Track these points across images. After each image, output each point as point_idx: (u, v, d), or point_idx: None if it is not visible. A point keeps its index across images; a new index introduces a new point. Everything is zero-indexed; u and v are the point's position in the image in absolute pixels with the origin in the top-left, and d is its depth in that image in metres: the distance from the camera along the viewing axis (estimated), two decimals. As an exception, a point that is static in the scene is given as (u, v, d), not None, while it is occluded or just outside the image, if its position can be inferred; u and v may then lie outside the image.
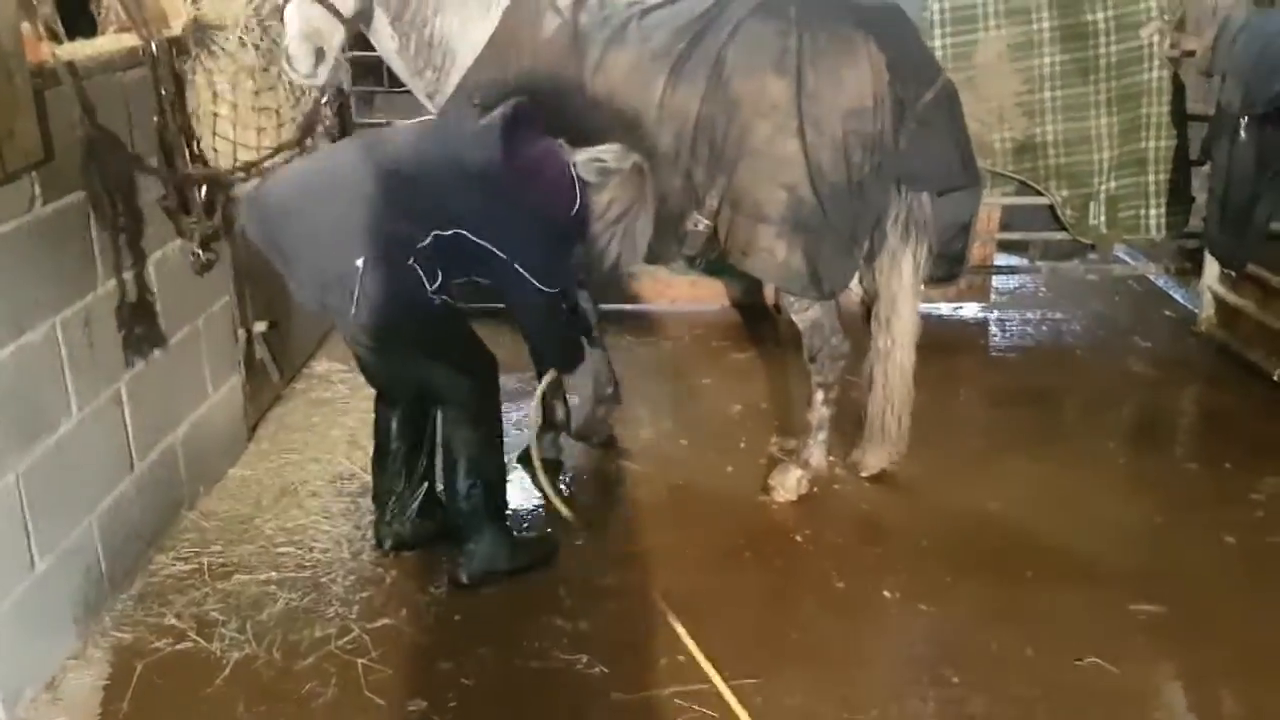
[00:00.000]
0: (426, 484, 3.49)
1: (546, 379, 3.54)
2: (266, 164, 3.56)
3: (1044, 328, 5.52)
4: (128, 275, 3.23)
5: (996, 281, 5.84)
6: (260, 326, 4.19)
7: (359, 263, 2.91)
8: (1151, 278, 5.93)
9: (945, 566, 3.41)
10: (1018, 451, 4.13)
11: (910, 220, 3.52)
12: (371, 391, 4.49)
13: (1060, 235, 5.34)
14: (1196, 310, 5.34)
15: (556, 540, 3.51)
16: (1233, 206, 4.50)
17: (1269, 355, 4.66)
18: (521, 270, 3.03)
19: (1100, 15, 4.96)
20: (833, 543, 3.56)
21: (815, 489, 3.80)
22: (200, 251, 3.60)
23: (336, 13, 3.26)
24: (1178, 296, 5.73)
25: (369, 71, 5.73)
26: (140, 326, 3.30)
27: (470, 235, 2.99)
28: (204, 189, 3.55)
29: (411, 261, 2.94)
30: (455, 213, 2.98)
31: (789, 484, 3.76)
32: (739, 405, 4.51)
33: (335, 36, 3.29)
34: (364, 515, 3.65)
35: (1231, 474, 3.96)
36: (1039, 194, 5.22)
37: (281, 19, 3.28)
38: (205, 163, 3.54)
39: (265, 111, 3.56)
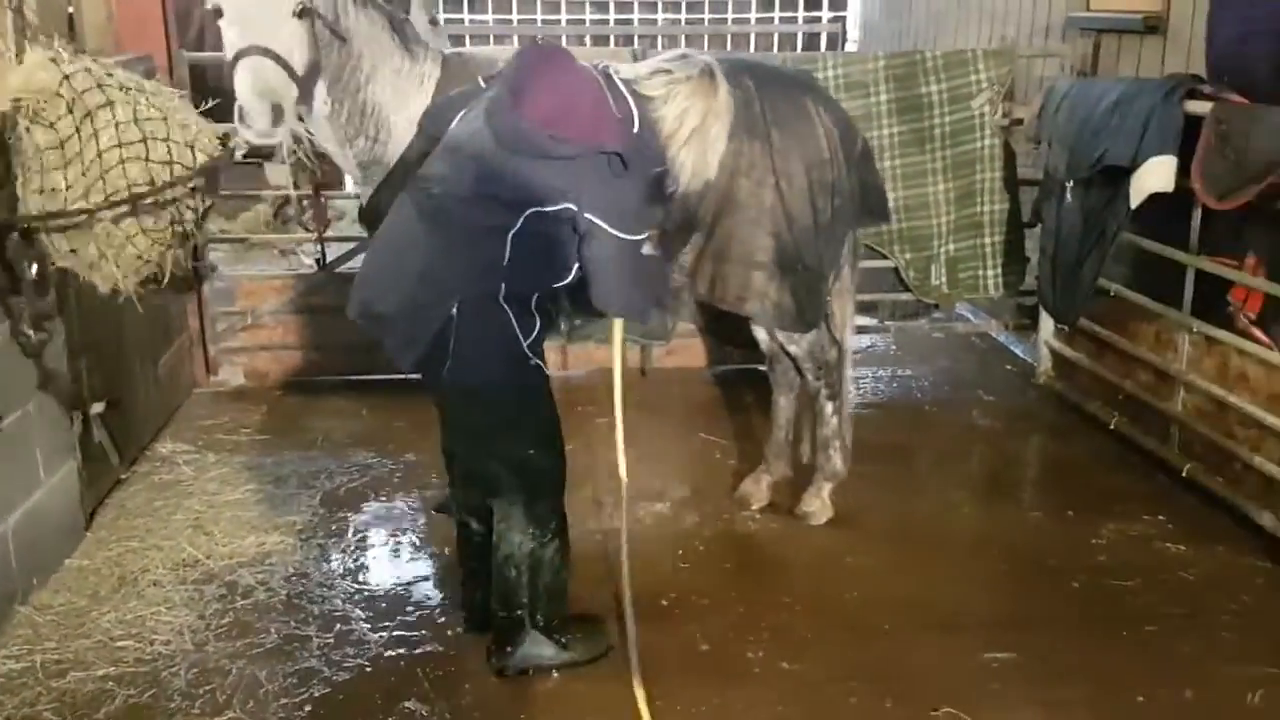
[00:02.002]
0: None
1: (619, 328, 3.13)
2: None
3: (895, 384, 5.70)
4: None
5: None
6: (98, 407, 3.99)
7: (454, 310, 2.78)
8: (993, 334, 6.19)
9: (807, 623, 3.44)
10: (872, 507, 4.22)
11: (852, 253, 4.06)
12: (216, 472, 4.44)
13: (905, 296, 5.55)
14: (1035, 364, 5.59)
15: (609, 636, 3.26)
16: (1062, 265, 4.75)
17: (1104, 405, 4.89)
18: (596, 219, 2.78)
19: (934, 88, 5.22)
20: (698, 605, 3.55)
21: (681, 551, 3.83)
22: (31, 332, 3.42)
23: (291, 71, 3.17)
24: (1018, 351, 6.00)
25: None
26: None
27: (541, 209, 2.77)
28: (34, 266, 3.39)
29: (503, 298, 2.79)
30: (519, 198, 2.77)
31: (824, 502, 4.10)
32: (604, 468, 4.50)
33: (290, 95, 3.19)
34: (209, 604, 3.50)
35: (1074, 521, 4.13)
36: (885, 257, 5.42)
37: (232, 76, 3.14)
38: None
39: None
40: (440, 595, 3.59)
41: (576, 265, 2.90)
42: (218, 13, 3.12)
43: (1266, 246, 3.94)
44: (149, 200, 3.44)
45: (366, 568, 3.76)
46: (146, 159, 3.34)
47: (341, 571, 3.72)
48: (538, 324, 2.90)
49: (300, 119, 3.34)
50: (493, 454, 3.01)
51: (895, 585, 3.68)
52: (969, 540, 4.02)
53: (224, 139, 3.36)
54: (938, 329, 6.03)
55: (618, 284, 2.92)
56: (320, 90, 3.38)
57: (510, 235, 2.78)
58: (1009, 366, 5.90)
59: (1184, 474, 4.29)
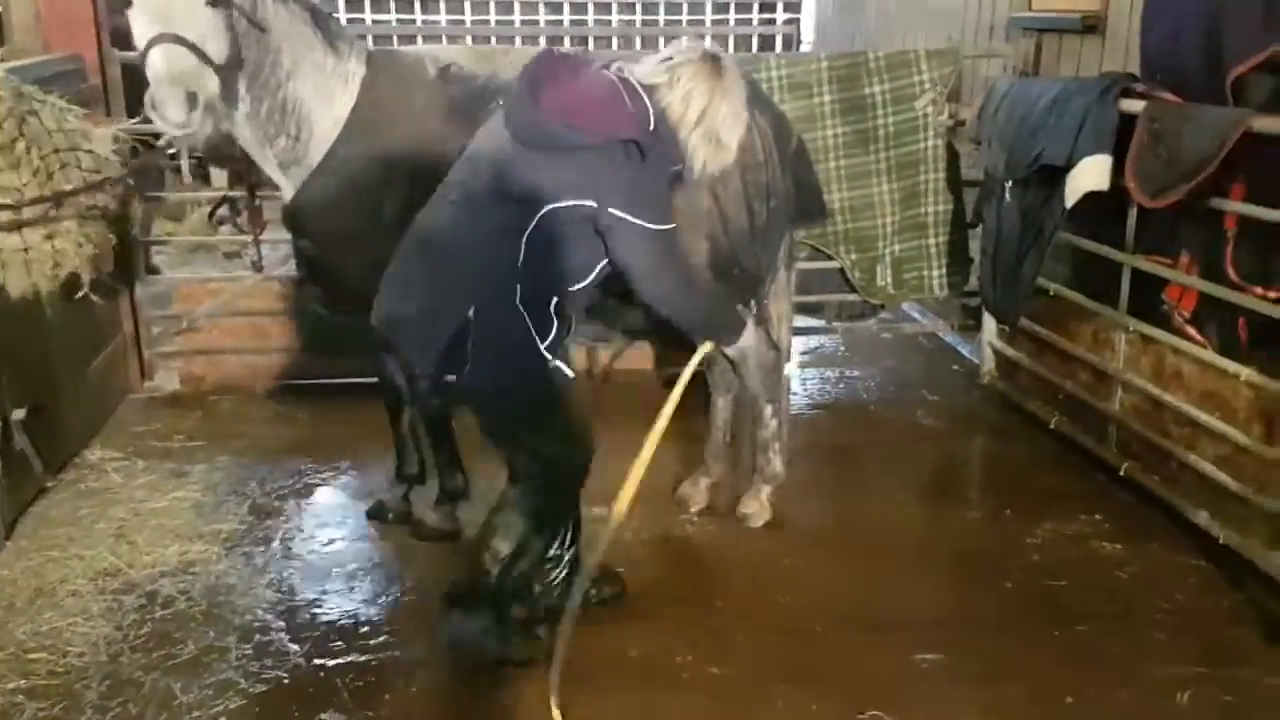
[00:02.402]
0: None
1: (701, 351, 3.10)
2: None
3: (841, 385, 5.68)
4: None
5: (796, 342, 5.98)
6: (19, 414, 3.89)
7: (471, 313, 2.75)
8: (940, 334, 6.19)
9: (738, 627, 3.40)
10: (812, 509, 4.20)
11: (789, 255, 4.06)
12: (145, 479, 4.34)
13: (852, 296, 5.53)
14: (980, 364, 5.59)
15: (544, 645, 3.15)
16: (1002, 265, 4.74)
17: (1045, 405, 4.89)
18: (620, 214, 2.75)
19: (877, 89, 5.19)
20: (630, 609, 3.50)
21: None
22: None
23: (207, 59, 3.05)
24: (964, 351, 5.99)
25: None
26: None
27: (559, 205, 2.75)
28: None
29: (519, 301, 2.76)
30: (533, 197, 2.75)
31: (763, 504, 4.05)
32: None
33: (210, 85, 3.09)
34: (127, 614, 3.41)
35: (1010, 521, 4.11)
36: (830, 258, 5.40)
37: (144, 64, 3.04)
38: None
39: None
40: (363, 605, 3.52)
41: (598, 267, 2.89)
42: (126, 2, 3.03)
43: (1199, 245, 3.93)
44: (45, 207, 3.39)
45: (290, 577, 3.67)
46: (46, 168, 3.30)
47: (265, 581, 3.63)
48: (555, 326, 2.86)
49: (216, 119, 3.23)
50: (518, 451, 3.00)
51: (830, 587, 3.65)
52: (906, 541, 4.00)
53: (116, 138, 3.25)
54: (885, 329, 6.02)
55: (666, 282, 2.93)
56: (240, 87, 3.30)
57: (525, 236, 2.76)
58: (955, 367, 5.90)
59: (1121, 473, 4.28)
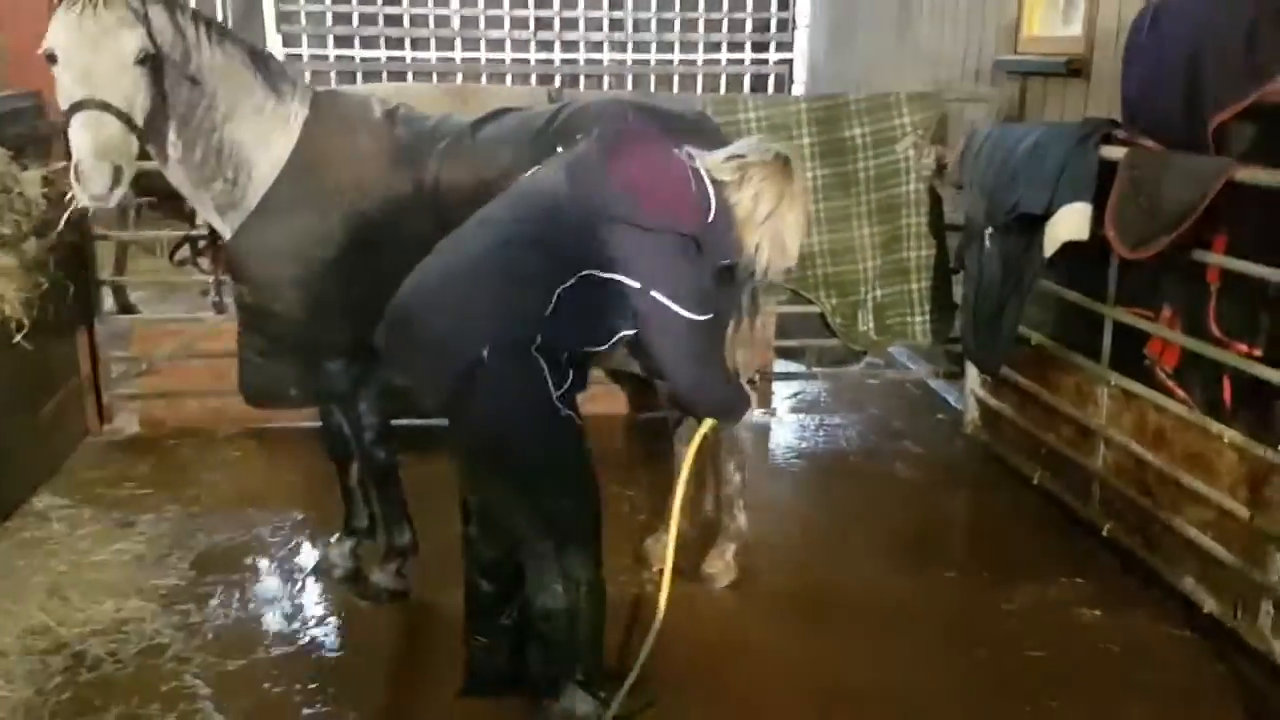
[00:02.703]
0: (520, 625, 3.10)
1: (702, 429, 3.07)
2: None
3: (821, 433, 5.51)
4: None
5: (777, 388, 5.84)
6: (-49, 462, 3.75)
7: (484, 354, 2.63)
8: (928, 381, 6.03)
9: (690, 699, 3.21)
10: (779, 568, 4.02)
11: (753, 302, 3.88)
12: (90, 530, 4.18)
13: (833, 341, 5.38)
14: (964, 413, 5.42)
15: (653, 692, 3.09)
16: (983, 313, 4.58)
17: (1028, 459, 4.72)
18: (659, 298, 2.69)
19: (858, 131, 5.07)
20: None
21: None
22: None
23: (132, 124, 2.93)
24: (951, 399, 5.83)
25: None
26: None
27: (597, 273, 2.68)
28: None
29: (536, 348, 2.66)
30: (575, 258, 2.68)
31: (728, 563, 3.87)
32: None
33: (132, 148, 2.96)
34: (51, 677, 3.25)
35: (988, 584, 3.93)
36: (811, 302, 5.26)
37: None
38: None
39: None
40: (298, 673, 3.34)
41: (620, 335, 2.82)
42: (50, 58, 2.90)
43: (1182, 298, 3.77)
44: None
45: (225, 640, 3.49)
46: None
47: (197, 644, 3.46)
48: (570, 377, 2.76)
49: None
50: (521, 505, 2.85)
51: (791, 656, 3.47)
52: (878, 604, 3.80)
53: (46, 180, 3.13)
54: (870, 375, 5.87)
55: (693, 370, 2.88)
56: (170, 132, 3.17)
57: (559, 290, 2.67)
58: (940, 415, 5.72)
59: (1104, 534, 4.11)
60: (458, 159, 3.34)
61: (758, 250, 2.87)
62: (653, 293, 2.71)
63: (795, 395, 5.96)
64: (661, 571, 3.22)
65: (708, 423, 3.09)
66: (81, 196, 2.88)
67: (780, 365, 5.87)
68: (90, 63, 2.86)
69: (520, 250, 2.73)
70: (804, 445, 5.37)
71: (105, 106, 2.84)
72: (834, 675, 3.38)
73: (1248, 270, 3.43)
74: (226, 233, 3.39)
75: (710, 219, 2.78)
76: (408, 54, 9.03)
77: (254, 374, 3.56)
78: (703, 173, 2.83)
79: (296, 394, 3.48)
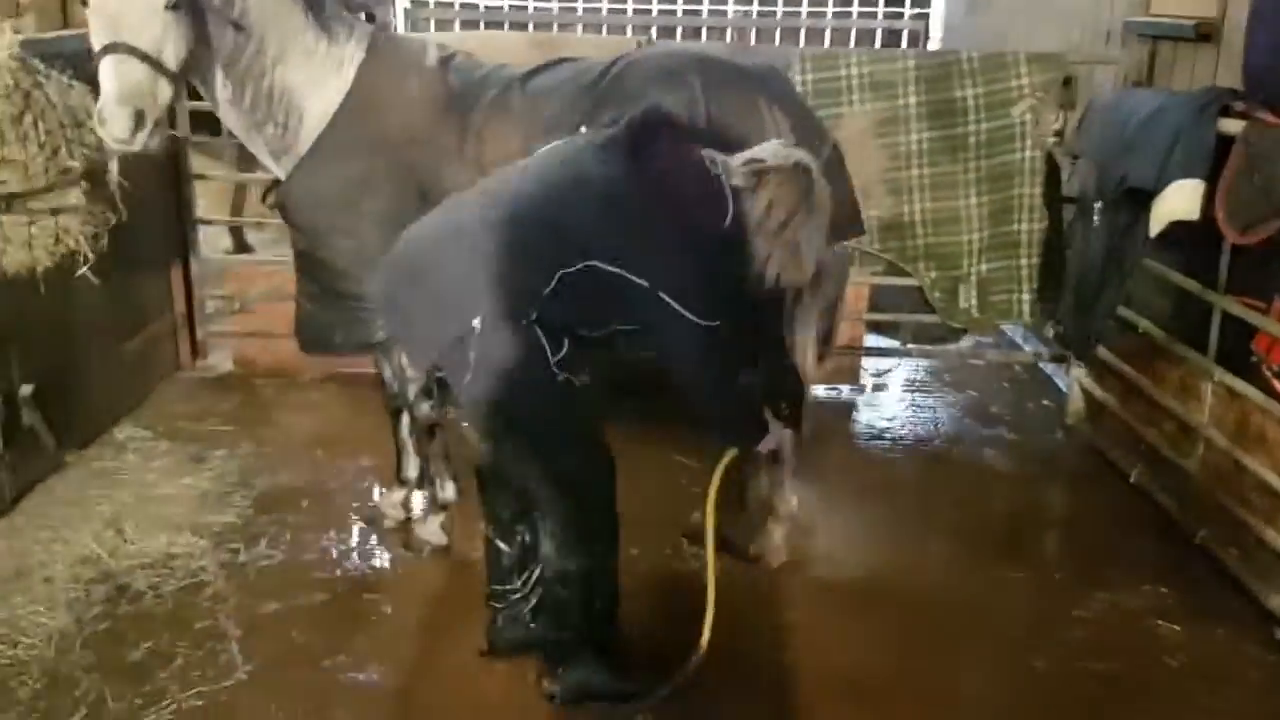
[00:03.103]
0: (540, 587, 3.06)
1: (724, 459, 2.97)
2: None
3: (909, 415, 5.24)
4: None
5: (867, 363, 5.59)
6: (26, 390, 3.87)
7: (476, 323, 2.58)
8: (1039, 364, 5.66)
9: (721, 684, 3.05)
10: (836, 555, 3.81)
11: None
12: (161, 463, 4.30)
13: (931, 317, 5.09)
14: (1068, 402, 5.07)
15: (665, 671, 2.97)
16: (1084, 293, 4.26)
17: (1128, 455, 4.38)
18: (668, 299, 2.59)
19: (970, 92, 4.72)
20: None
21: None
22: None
23: (162, 69, 2.92)
24: (1061, 385, 5.46)
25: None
26: None
27: (603, 266, 2.58)
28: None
29: (532, 321, 2.60)
30: (582, 244, 2.60)
31: (778, 545, 3.69)
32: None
33: (162, 95, 2.95)
34: (91, 606, 3.34)
35: (1060, 587, 3.66)
36: (908, 274, 4.98)
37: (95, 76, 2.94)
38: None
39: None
40: (327, 622, 3.34)
41: (613, 326, 2.74)
42: (83, 1, 2.90)
43: (1296, 290, 3.40)
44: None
45: (267, 580, 3.53)
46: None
47: (239, 583, 3.51)
48: (565, 346, 2.67)
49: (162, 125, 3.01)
50: (531, 466, 2.80)
51: (832, 649, 3.29)
52: (936, 601, 3.57)
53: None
54: (974, 355, 5.55)
55: (698, 375, 2.75)
56: (218, 75, 3.15)
57: (561, 273, 2.60)
58: (1045, 402, 5.37)
59: (1196, 541, 3.77)
60: (504, 111, 3.24)
61: (769, 261, 2.72)
62: (661, 293, 2.58)
63: (886, 372, 5.68)
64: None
65: (729, 453, 2.93)
66: (105, 138, 2.89)
67: (872, 339, 5.61)
68: (118, 7, 2.85)
69: (527, 229, 2.63)
70: (888, 426, 5.10)
71: (131, 50, 2.83)
72: (871, 670, 3.20)
73: (1372, 263, 3.05)
74: (282, 177, 3.38)
75: (727, 223, 2.65)
76: (505, 3, 8.92)
77: (305, 320, 3.55)
78: (722, 176, 2.70)
79: (341, 342, 3.46)
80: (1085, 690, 3.13)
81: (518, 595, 3.08)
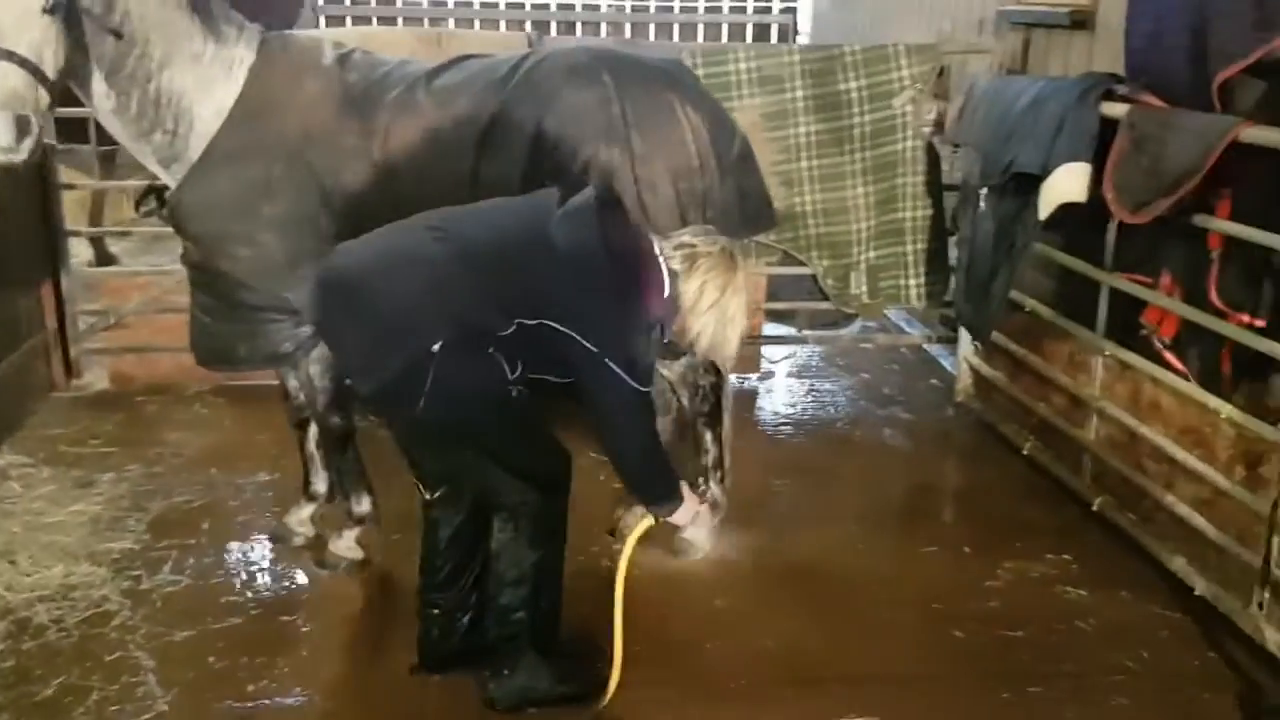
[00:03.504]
0: (476, 596, 3.04)
1: (640, 527, 2.97)
2: None
3: (810, 399, 5.35)
4: None
5: (766, 351, 5.68)
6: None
7: (435, 348, 2.58)
8: (925, 346, 5.85)
9: (652, 679, 3.06)
10: (756, 541, 3.85)
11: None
12: (47, 490, 4.06)
13: (825, 304, 5.20)
14: (957, 380, 5.25)
15: (603, 675, 2.95)
16: (976, 277, 4.40)
17: (1019, 429, 4.55)
18: (613, 366, 2.66)
19: (853, 85, 4.84)
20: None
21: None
22: None
23: (41, 75, 2.75)
24: (946, 364, 5.65)
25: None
26: None
27: (556, 325, 2.66)
28: None
29: (493, 350, 2.66)
30: (542, 301, 2.67)
31: (702, 535, 3.69)
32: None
33: (43, 102, 2.78)
34: (-38, 641, 3.15)
35: (970, 559, 3.78)
36: (802, 263, 5.07)
37: None
38: None
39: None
40: (247, 646, 3.21)
41: (555, 379, 2.81)
42: None
43: (1182, 265, 3.58)
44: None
45: (176, 607, 3.38)
46: None
47: (146, 611, 3.34)
48: (520, 365, 2.73)
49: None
50: (494, 469, 2.84)
51: (761, 633, 3.33)
52: (854, 580, 3.66)
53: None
54: (863, 340, 5.70)
55: (628, 439, 2.80)
56: (99, 82, 2.99)
57: (519, 320, 2.68)
58: (934, 381, 5.56)
59: (1094, 508, 3.95)
60: (410, 109, 3.16)
61: (698, 338, 2.84)
62: (607, 360, 2.66)
63: (785, 359, 5.79)
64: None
65: (646, 521, 2.98)
66: None
67: (770, 328, 5.71)
68: None
69: (491, 278, 2.69)
70: (792, 411, 5.21)
71: (9, 56, 2.67)
72: (805, 652, 3.25)
73: (1252, 237, 3.23)
74: (172, 186, 3.22)
75: (666, 298, 2.77)
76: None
77: (202, 334, 3.39)
78: (660, 257, 2.80)
79: (246, 355, 3.33)
80: (1007, 657, 3.24)
81: (454, 604, 3.02)
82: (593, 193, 2.85)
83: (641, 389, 2.72)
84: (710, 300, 2.79)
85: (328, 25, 7.40)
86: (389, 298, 2.68)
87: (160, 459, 4.38)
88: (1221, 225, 3.36)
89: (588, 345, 2.66)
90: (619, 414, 2.76)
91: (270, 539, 3.77)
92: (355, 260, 2.76)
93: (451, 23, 8.68)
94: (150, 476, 4.23)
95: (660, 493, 2.92)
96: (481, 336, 2.66)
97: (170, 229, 3.42)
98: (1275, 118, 3.13)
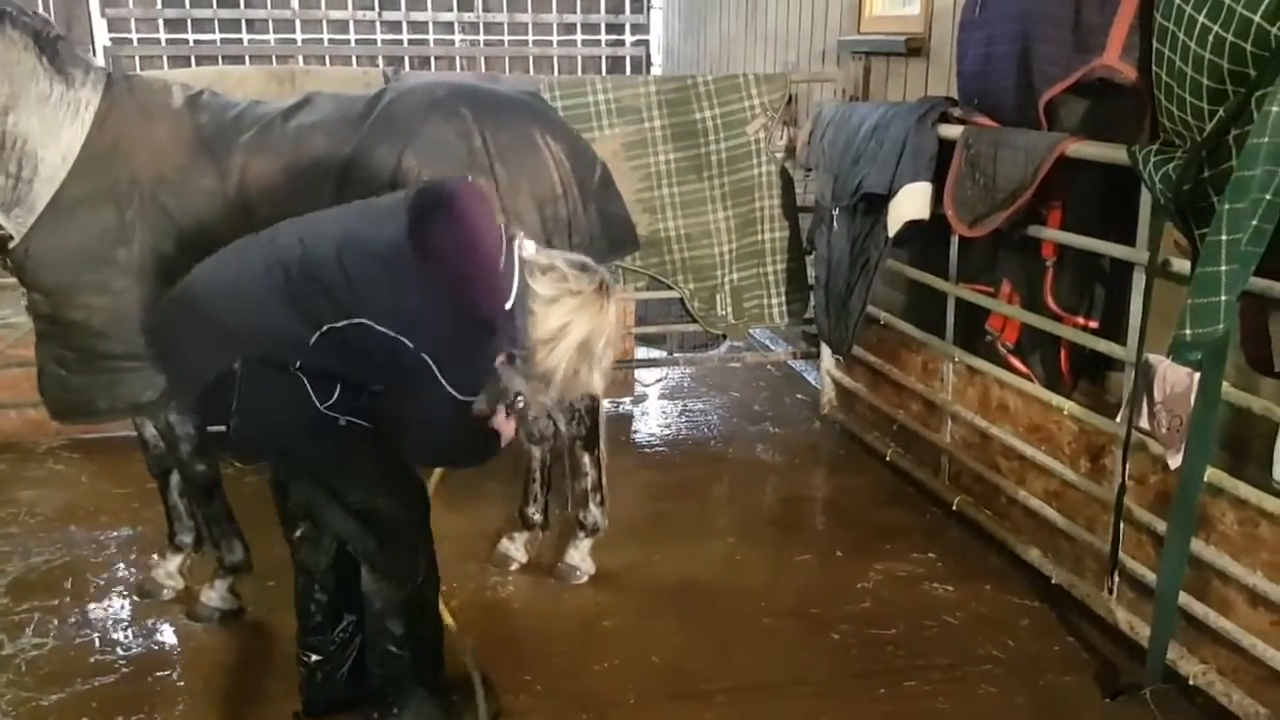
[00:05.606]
0: (360, 637, 2.94)
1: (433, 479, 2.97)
2: None
3: (684, 419, 5.46)
4: None
5: (639, 375, 5.77)
6: None
7: (237, 366, 2.52)
8: (789, 362, 6.03)
9: (543, 704, 3.10)
10: (639, 561, 3.92)
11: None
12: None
13: (694, 326, 5.32)
14: (821, 393, 5.43)
15: (498, 707, 2.99)
16: (834, 294, 4.58)
17: (881, 437, 4.74)
18: (431, 363, 2.50)
19: (708, 114, 4.99)
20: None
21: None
22: None
23: None
24: (810, 379, 5.84)
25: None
26: None
27: (373, 325, 2.50)
28: None
29: (297, 367, 2.52)
30: (354, 301, 2.51)
31: (584, 558, 3.81)
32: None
33: None
34: None
35: (842, 564, 3.93)
36: (669, 287, 5.18)
37: None
38: None
39: None
40: (123, 701, 3.11)
41: (375, 385, 2.67)
42: None
43: (1020, 273, 3.81)
44: None
45: (42, 670, 3.24)
46: None
47: (10, 677, 3.19)
48: (336, 391, 2.58)
49: None
50: (331, 507, 2.75)
51: (647, 650, 3.38)
52: (734, 592, 3.75)
53: None
54: (732, 359, 5.85)
55: (439, 440, 2.74)
56: None
57: (327, 326, 2.53)
58: (800, 396, 5.74)
59: (954, 507, 4.14)
60: (265, 150, 3.14)
61: (553, 371, 2.69)
62: (424, 355, 2.53)
63: (657, 382, 5.89)
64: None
65: (437, 472, 3.00)
66: None
67: (641, 352, 5.81)
68: None
69: (298, 282, 2.55)
70: (666, 432, 5.31)
71: None
72: (691, 666, 3.31)
73: (1079, 244, 3.47)
74: (16, 234, 3.11)
75: (509, 306, 2.62)
76: (244, 37, 8.62)
77: (57, 388, 3.25)
78: (517, 258, 2.65)
79: (106, 407, 3.22)
80: (883, 653, 3.37)
81: (334, 648, 2.97)
82: (417, 187, 2.77)
83: (465, 399, 2.61)
84: (576, 339, 2.68)
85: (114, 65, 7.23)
86: (207, 315, 2.61)
87: (14, 519, 4.20)
88: (1054, 235, 3.59)
89: (405, 342, 2.51)
90: (428, 416, 2.65)
91: (138, 594, 3.65)
92: (195, 278, 2.68)
93: (301, 59, 8.61)
94: (5, 538, 4.04)
95: (467, 459, 2.97)
96: (285, 349, 2.55)
97: (11, 280, 3.30)
98: (1097, 133, 3.38)
